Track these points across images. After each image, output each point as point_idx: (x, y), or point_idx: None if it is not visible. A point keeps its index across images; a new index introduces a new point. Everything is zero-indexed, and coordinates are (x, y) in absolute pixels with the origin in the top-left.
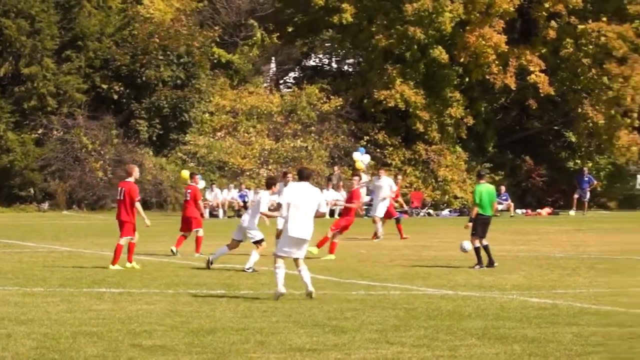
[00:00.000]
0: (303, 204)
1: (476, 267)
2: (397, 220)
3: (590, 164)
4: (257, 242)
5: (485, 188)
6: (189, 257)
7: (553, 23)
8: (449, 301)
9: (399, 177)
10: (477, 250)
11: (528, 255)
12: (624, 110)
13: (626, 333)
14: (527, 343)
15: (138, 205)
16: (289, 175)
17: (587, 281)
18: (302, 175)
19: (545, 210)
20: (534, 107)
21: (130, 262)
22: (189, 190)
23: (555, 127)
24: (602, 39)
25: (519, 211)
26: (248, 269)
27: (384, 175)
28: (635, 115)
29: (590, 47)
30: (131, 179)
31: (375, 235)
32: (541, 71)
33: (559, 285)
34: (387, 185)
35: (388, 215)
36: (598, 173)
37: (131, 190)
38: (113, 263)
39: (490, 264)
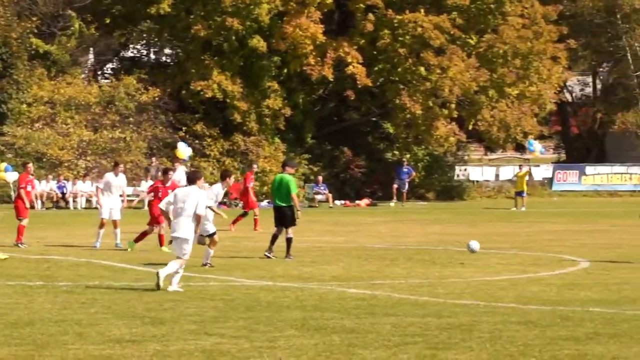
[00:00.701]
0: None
1: (269, 254)
2: (244, 214)
3: (408, 155)
4: (210, 236)
5: (279, 178)
6: (7, 247)
7: (370, 15)
8: (268, 292)
9: (255, 166)
10: (273, 236)
11: (347, 247)
12: (442, 102)
13: (443, 323)
14: (346, 333)
15: None
16: (120, 165)
17: (405, 272)
18: (189, 179)
19: (364, 201)
20: (352, 99)
21: None
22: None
23: (374, 119)
24: (419, 29)
25: (338, 202)
26: (205, 265)
27: (179, 166)
28: (453, 106)
29: (407, 37)
30: None
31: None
32: (359, 63)
33: (377, 276)
34: (177, 178)
35: (247, 206)
36: (416, 164)
37: None
38: None
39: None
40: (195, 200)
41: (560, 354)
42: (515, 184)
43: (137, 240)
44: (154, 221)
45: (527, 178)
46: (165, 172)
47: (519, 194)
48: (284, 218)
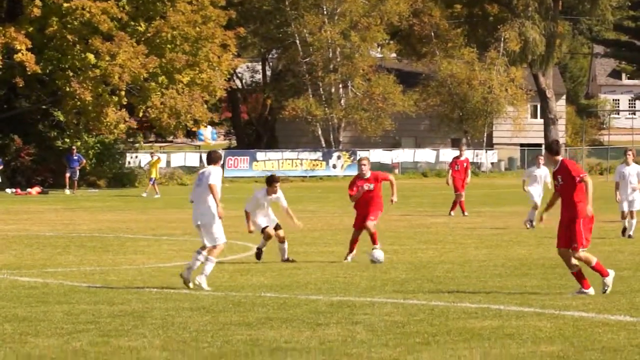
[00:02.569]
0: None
1: None
2: None
3: (79, 143)
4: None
5: None
6: None
7: (38, 2)
8: None
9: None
10: None
11: (18, 235)
12: (112, 89)
13: (116, 310)
14: (18, 322)
15: None
16: None
17: (77, 259)
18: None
19: (35, 189)
20: (22, 86)
21: None
22: None
23: (44, 106)
24: (87, 15)
25: (8, 190)
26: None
27: None
28: (123, 93)
29: (76, 23)
30: None
31: None
32: (28, 49)
33: (49, 264)
34: None
35: None
36: (87, 152)
37: None
38: None
39: None
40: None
41: (232, 339)
42: (148, 172)
43: None
44: None
45: (159, 166)
46: None
47: (152, 180)
48: None
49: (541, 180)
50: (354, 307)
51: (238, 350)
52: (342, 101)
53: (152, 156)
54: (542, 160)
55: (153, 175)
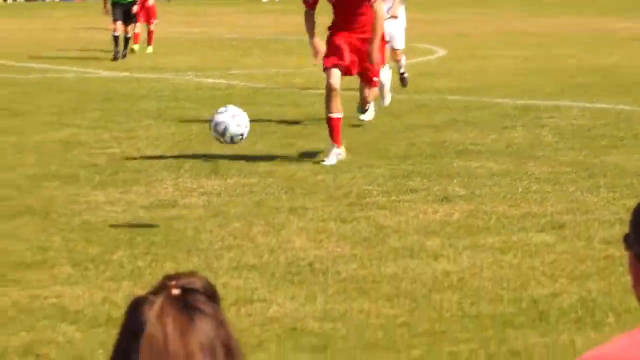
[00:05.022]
0: None
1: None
2: None
3: None
4: None
5: None
6: None
7: None
8: (124, 84)
9: None
10: (115, 38)
11: (202, 37)
12: None
13: (301, 113)
14: (204, 123)
15: None
16: None
17: (260, 61)
18: None
19: None
20: None
21: None
22: None
23: None
24: None
25: None
26: None
27: None
28: None
29: None
30: None
31: None
32: None
33: (232, 65)
34: None
35: None
36: None
37: None
38: None
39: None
40: None
41: (418, 141)
42: None
43: None
44: None
45: None
46: None
47: None
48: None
49: None
50: (540, 111)
51: (424, 151)
52: None
53: None
54: None
55: None
